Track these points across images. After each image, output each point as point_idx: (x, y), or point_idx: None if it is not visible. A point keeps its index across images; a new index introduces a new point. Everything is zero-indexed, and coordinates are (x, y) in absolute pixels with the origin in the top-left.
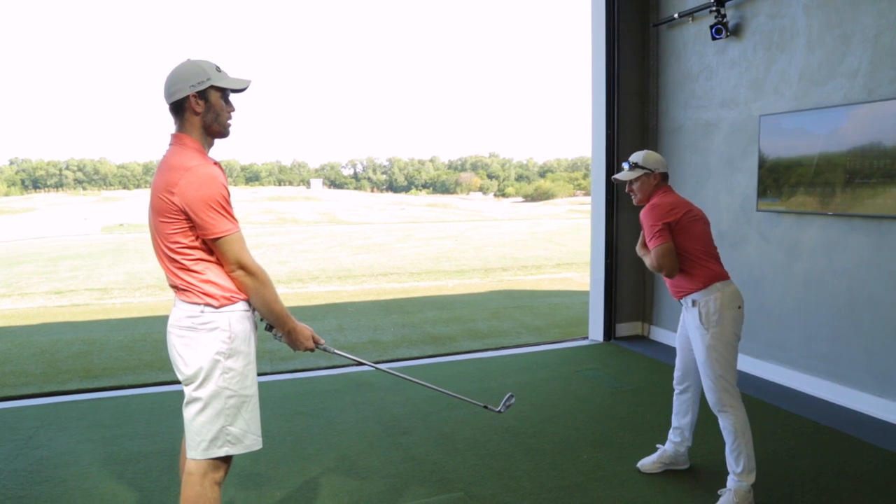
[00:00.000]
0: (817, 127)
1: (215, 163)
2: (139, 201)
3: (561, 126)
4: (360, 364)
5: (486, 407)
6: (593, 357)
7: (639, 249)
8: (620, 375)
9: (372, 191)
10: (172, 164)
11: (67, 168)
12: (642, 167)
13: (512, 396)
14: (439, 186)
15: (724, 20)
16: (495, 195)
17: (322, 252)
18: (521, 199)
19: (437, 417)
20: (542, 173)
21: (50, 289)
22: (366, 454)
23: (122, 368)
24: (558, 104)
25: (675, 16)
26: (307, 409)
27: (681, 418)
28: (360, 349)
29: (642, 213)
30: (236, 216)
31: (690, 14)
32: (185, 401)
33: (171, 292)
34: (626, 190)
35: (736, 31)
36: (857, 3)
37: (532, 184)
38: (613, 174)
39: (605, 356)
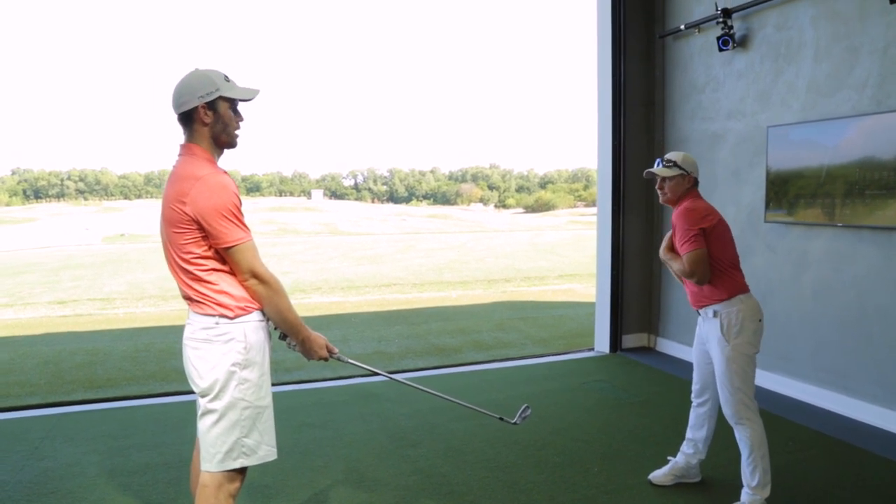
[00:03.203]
0: (825, 138)
1: (224, 172)
2: (140, 212)
3: (562, 137)
4: (375, 374)
5: (501, 419)
6: (600, 369)
7: (664, 253)
8: (628, 387)
9: (373, 202)
10: (183, 173)
11: (69, 178)
12: (680, 167)
13: (528, 408)
14: (440, 197)
15: (731, 32)
16: (496, 206)
17: (324, 263)
18: (521, 210)
19: (444, 429)
20: (543, 184)
21: (52, 298)
22: (374, 466)
23: (127, 379)
24: (559, 115)
25: (682, 27)
26: (314, 421)
27: (696, 431)
28: (365, 360)
29: (676, 216)
30: (248, 225)
31: (697, 25)
32: (199, 413)
33: (174, 302)
34: (657, 187)
35: (743, 43)
36: (865, 15)
37: (533, 195)
38: (620, 185)
39: (611, 368)
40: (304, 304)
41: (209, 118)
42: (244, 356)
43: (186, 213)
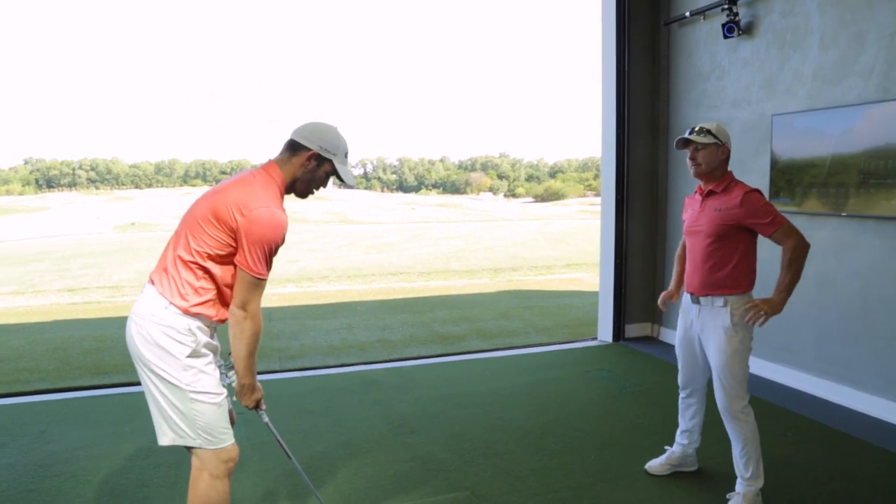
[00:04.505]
0: (831, 127)
1: (284, 210)
2: (151, 200)
3: (571, 126)
4: (283, 448)
5: None
6: (602, 358)
7: (780, 298)
8: (629, 376)
9: (382, 191)
10: (258, 192)
11: (80, 167)
12: (715, 136)
13: None
14: (449, 186)
15: (737, 18)
16: (505, 195)
17: (332, 251)
18: (531, 199)
19: (445, 417)
20: (553, 173)
21: (63, 286)
22: (373, 453)
23: (132, 365)
24: (569, 104)
25: (687, 14)
26: (315, 408)
27: (688, 421)
28: (368, 348)
29: (748, 199)
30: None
31: (702, 12)
32: (149, 391)
33: None
34: (689, 157)
35: (748, 30)
36: (872, 1)
37: (542, 184)
38: (624, 174)
39: (613, 357)
40: (311, 292)
41: (308, 166)
42: (190, 347)
43: (236, 222)
